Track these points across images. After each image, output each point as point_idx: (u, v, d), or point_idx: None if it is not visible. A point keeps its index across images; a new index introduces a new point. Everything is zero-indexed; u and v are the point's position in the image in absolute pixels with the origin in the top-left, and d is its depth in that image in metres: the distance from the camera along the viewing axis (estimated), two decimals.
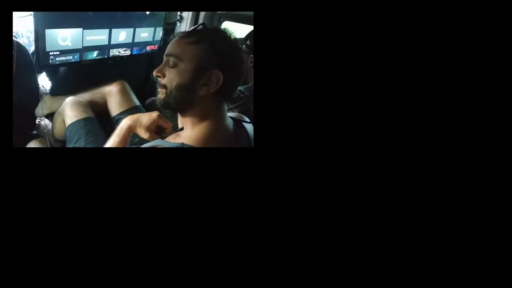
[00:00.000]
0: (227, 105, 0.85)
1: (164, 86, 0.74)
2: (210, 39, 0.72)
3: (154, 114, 0.81)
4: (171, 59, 0.73)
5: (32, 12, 0.98)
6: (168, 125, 0.82)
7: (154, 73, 0.74)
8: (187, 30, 1.72)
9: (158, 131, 0.82)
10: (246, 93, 1.15)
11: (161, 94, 0.75)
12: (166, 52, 0.74)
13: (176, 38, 0.75)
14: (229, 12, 1.76)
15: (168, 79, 0.73)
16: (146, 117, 0.81)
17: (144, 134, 0.81)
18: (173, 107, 0.76)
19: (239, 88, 1.16)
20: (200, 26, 0.77)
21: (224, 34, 0.78)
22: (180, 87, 0.72)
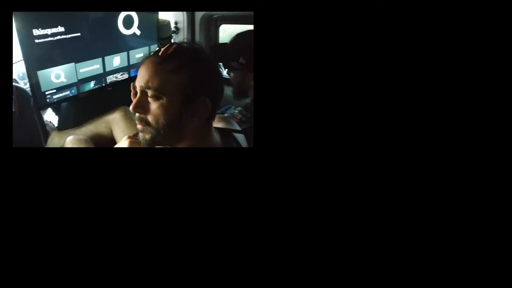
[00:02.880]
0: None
1: (147, 124, 0.62)
2: (190, 62, 0.62)
3: (125, 142, 0.74)
4: (150, 92, 0.61)
5: (21, 57, 0.98)
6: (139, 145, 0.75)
7: (131, 108, 0.62)
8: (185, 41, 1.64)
9: None
10: (248, 115, 1.10)
11: (146, 133, 0.63)
12: (140, 82, 0.61)
13: (148, 62, 0.61)
14: (224, 15, 1.72)
15: (152, 116, 0.62)
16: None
17: None
18: (163, 144, 0.66)
19: (241, 109, 1.11)
20: (174, 45, 0.64)
21: (200, 51, 0.66)
22: (168, 124, 0.62)
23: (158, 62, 0.61)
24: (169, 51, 0.62)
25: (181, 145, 0.66)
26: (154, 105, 0.61)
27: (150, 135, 0.63)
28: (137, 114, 0.63)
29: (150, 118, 0.62)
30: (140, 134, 0.64)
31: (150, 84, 0.60)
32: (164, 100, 0.60)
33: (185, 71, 0.61)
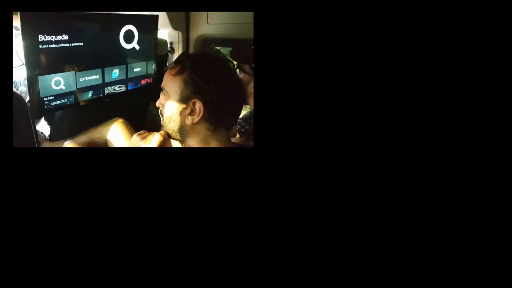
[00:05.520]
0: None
1: (162, 117, 0.78)
2: (189, 68, 0.73)
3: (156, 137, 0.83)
4: (164, 91, 0.77)
5: (24, 61, 0.98)
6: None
7: (157, 103, 0.79)
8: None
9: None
10: (247, 127, 1.12)
11: (162, 125, 0.79)
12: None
13: (167, 70, 0.79)
14: (218, 37, 1.79)
15: (164, 110, 0.77)
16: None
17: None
18: (175, 137, 0.78)
19: (239, 121, 1.14)
20: (180, 57, 0.79)
21: (203, 59, 0.78)
22: (169, 119, 0.76)
23: (170, 68, 0.78)
24: (176, 59, 0.79)
25: (188, 141, 0.77)
26: (166, 102, 0.77)
27: (162, 126, 0.78)
28: (160, 108, 0.79)
29: (164, 111, 0.78)
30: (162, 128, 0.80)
31: (162, 85, 0.78)
32: (168, 97, 0.76)
33: (182, 75, 0.74)
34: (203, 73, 0.72)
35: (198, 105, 0.71)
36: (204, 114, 0.71)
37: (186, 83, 0.72)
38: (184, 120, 0.73)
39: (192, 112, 0.72)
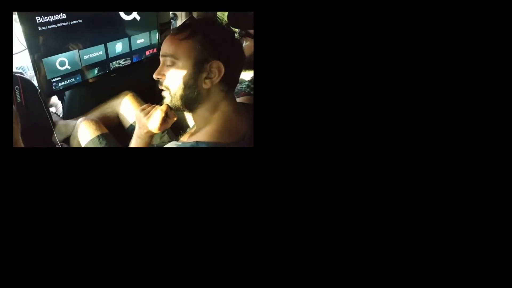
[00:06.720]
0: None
1: (167, 88, 0.73)
2: (202, 30, 0.71)
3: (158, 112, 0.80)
4: (168, 59, 0.71)
5: (25, 46, 1.00)
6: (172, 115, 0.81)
7: (154, 75, 0.73)
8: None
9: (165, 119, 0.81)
10: (252, 86, 1.11)
11: (167, 98, 0.74)
12: (161, 53, 0.73)
13: (168, 36, 0.73)
14: None
15: (169, 80, 0.72)
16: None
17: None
18: (182, 109, 0.75)
19: (248, 84, 1.13)
20: (188, 21, 0.75)
21: (215, 21, 0.77)
22: (183, 86, 0.71)
23: (174, 33, 0.72)
24: (183, 23, 0.73)
25: (199, 110, 0.74)
26: (171, 70, 0.71)
27: (170, 98, 0.73)
28: (159, 80, 0.73)
29: (169, 82, 0.72)
30: (164, 101, 0.75)
31: (167, 52, 0.71)
32: (178, 64, 0.70)
33: (196, 37, 0.69)
34: (217, 33, 0.71)
35: (217, 66, 0.69)
36: (224, 74, 0.70)
37: (202, 45, 0.69)
38: (201, 85, 0.70)
39: (209, 75, 0.70)
